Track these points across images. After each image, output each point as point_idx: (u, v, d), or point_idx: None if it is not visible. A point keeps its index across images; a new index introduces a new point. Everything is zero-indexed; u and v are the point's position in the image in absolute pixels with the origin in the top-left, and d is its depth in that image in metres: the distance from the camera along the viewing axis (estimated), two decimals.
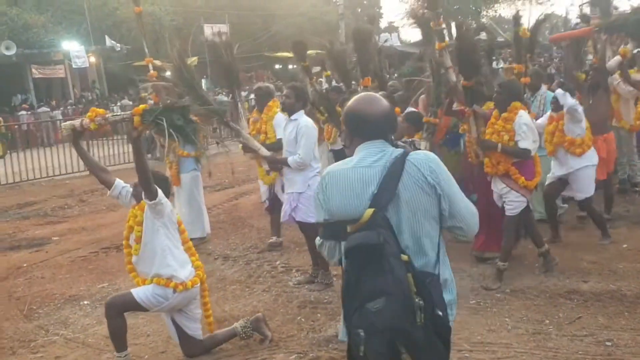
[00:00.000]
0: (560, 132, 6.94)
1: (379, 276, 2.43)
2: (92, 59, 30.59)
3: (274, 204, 7.65)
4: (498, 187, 6.20)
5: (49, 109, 24.14)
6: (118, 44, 31.37)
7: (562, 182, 7.06)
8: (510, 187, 6.07)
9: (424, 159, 2.69)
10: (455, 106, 6.74)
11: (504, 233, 6.28)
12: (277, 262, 7.31)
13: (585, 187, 6.93)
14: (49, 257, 8.23)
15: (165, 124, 3.89)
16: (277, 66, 42.46)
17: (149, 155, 18.34)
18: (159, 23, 34.68)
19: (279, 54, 37.80)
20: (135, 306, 4.70)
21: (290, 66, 45.14)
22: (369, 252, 2.47)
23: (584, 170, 6.87)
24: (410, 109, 7.67)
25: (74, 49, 28.85)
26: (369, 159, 2.68)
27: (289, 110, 6.26)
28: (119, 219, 10.31)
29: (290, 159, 6.10)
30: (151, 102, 8.79)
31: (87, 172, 15.85)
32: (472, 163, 6.64)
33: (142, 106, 4.05)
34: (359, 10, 52.84)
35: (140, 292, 4.64)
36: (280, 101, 7.06)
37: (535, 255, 6.60)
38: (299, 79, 9.15)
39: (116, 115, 4.13)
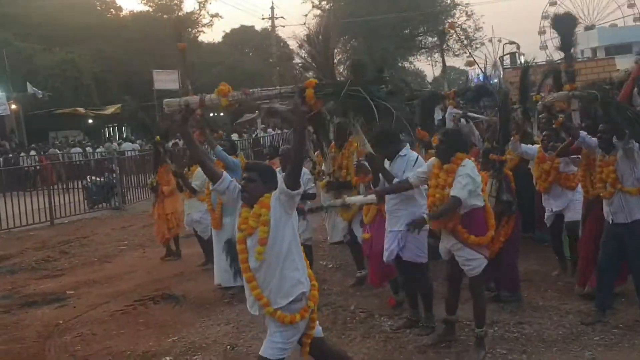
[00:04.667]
0: (555, 169, 7.33)
1: None
2: (13, 107, 28.90)
3: (354, 238, 7.40)
4: (449, 242, 5.46)
5: None
6: (40, 91, 29.80)
7: (561, 216, 7.42)
8: (463, 243, 5.38)
9: None
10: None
11: (474, 297, 5.57)
12: (352, 307, 6.88)
13: (578, 211, 7.13)
14: (80, 312, 7.43)
15: (366, 96, 3.36)
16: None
17: (105, 205, 17.11)
18: (78, 70, 33.58)
19: None
20: None
21: (211, 114, 44.93)
22: None
23: (579, 199, 7.15)
24: None
25: None
26: None
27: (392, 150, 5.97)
28: (123, 270, 9.61)
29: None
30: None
31: (48, 223, 14.68)
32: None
33: (313, 80, 3.50)
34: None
35: (271, 351, 4.14)
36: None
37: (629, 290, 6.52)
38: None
39: (266, 90, 3.42)
